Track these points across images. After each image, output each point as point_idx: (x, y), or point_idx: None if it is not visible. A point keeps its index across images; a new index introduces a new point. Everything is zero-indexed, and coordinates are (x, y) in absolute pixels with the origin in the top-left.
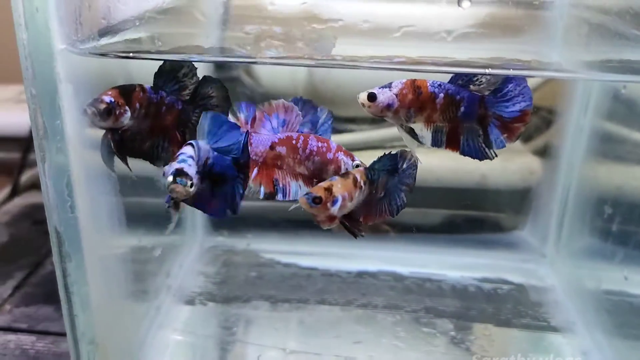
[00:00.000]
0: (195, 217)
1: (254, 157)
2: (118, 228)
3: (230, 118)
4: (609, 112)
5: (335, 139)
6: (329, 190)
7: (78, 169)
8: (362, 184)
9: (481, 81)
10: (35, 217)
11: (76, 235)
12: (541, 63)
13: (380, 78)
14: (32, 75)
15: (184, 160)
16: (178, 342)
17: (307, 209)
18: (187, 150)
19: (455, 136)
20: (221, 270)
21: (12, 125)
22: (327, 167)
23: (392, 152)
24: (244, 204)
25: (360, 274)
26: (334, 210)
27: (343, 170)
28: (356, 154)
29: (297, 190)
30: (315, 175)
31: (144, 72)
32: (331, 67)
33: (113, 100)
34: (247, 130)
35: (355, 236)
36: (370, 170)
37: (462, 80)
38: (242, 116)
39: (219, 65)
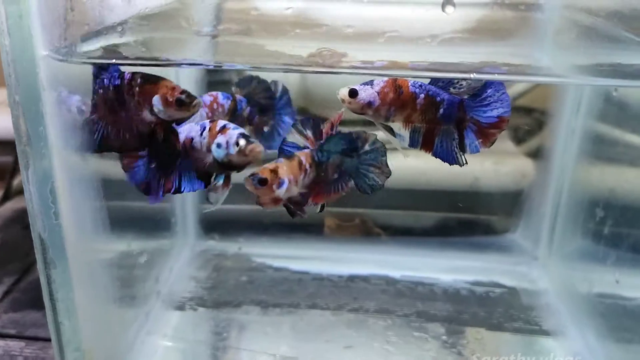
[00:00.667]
0: (187, 221)
1: None
2: (103, 234)
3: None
4: (600, 114)
5: None
6: (274, 172)
7: (62, 175)
8: (307, 166)
9: (462, 84)
10: (26, 221)
11: (60, 241)
12: (531, 67)
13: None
14: (15, 82)
15: (236, 127)
16: (167, 348)
17: (252, 190)
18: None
19: (431, 137)
20: (212, 274)
21: (4, 128)
22: None
23: (343, 133)
24: (237, 207)
25: (352, 278)
26: (280, 192)
27: None
28: None
29: None
30: None
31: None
32: (307, 73)
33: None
34: None
35: (293, 216)
36: (318, 152)
37: (442, 83)
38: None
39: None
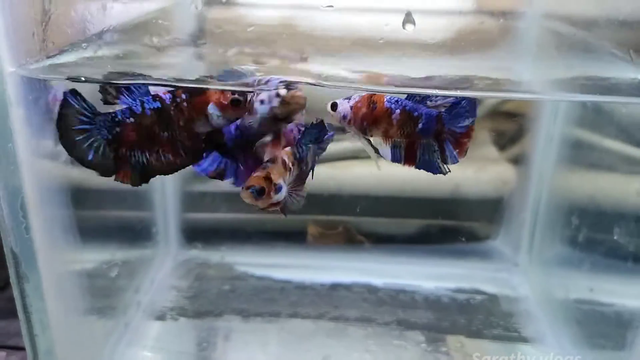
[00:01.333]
0: (169, 230)
1: None
2: (77, 246)
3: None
4: (579, 120)
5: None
6: (268, 179)
7: (31, 190)
8: (290, 165)
9: (438, 98)
10: None
11: (32, 255)
12: (511, 82)
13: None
14: None
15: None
16: (147, 359)
17: (251, 202)
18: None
19: (412, 151)
20: (194, 284)
21: None
22: None
23: (314, 123)
24: (220, 216)
25: (334, 286)
26: (279, 197)
27: None
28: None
29: None
30: None
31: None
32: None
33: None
34: None
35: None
36: (298, 148)
37: (419, 97)
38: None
39: None
